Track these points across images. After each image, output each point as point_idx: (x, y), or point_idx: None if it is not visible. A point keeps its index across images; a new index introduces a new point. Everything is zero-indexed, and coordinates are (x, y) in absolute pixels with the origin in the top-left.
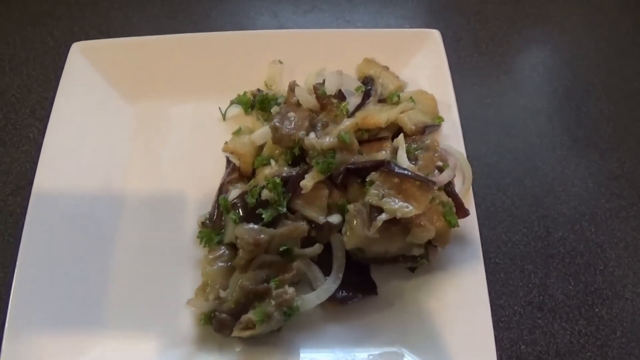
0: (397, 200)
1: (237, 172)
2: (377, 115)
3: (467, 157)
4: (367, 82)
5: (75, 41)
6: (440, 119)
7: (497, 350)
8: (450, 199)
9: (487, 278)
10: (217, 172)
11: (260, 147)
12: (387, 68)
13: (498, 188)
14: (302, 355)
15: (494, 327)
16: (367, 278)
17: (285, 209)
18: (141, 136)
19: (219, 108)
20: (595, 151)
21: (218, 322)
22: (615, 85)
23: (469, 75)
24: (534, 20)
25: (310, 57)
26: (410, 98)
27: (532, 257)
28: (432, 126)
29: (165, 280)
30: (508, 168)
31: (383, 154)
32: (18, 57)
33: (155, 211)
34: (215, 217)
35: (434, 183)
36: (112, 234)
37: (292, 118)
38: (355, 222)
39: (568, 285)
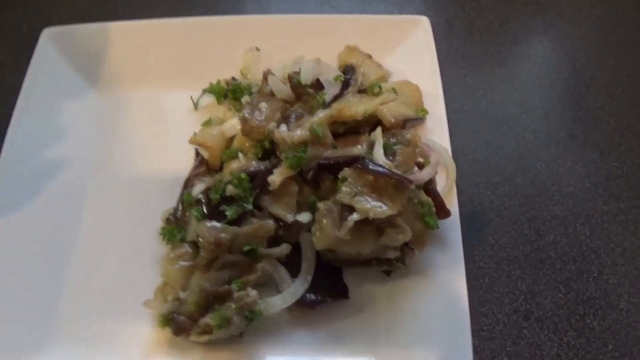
0: (370, 199)
1: (204, 166)
2: (354, 107)
3: (454, 153)
4: (347, 71)
5: (50, 27)
6: (425, 112)
7: None
8: (430, 199)
9: (470, 283)
10: (186, 165)
11: (230, 140)
12: (369, 56)
13: (487, 187)
14: None
15: (475, 336)
16: (339, 281)
17: (251, 206)
18: (109, 126)
19: (191, 97)
20: (594, 149)
21: (176, 325)
22: (619, 80)
23: (461, 66)
24: (533, 9)
25: (290, 44)
26: (393, 89)
27: (520, 261)
28: (414, 119)
29: (127, 278)
30: (498, 165)
31: (358, 149)
32: None
33: (120, 205)
34: (179, 213)
35: (410, 181)
36: (73, 227)
37: (264, 109)
38: (325, 221)
39: (558, 293)
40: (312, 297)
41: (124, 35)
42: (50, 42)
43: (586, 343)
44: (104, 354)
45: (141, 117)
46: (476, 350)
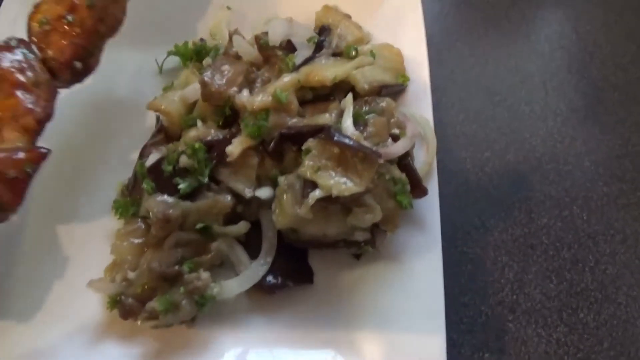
0: (334, 174)
1: (163, 134)
2: (324, 71)
3: (439, 124)
4: (322, 32)
5: None
6: (405, 79)
7: (455, 357)
8: (404, 175)
9: (450, 270)
10: (147, 134)
11: (194, 106)
12: (348, 17)
13: (474, 162)
14: (218, 351)
15: (453, 329)
16: (303, 264)
17: (207, 179)
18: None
19: (155, 60)
20: (596, 124)
21: (123, 308)
22: (626, 49)
23: (452, 30)
24: None
25: (265, 2)
26: (371, 52)
27: (508, 247)
28: (392, 86)
29: (78, 255)
30: (488, 139)
31: (326, 118)
32: None
33: (74, 174)
34: (134, 185)
35: (379, 155)
36: None
37: (227, 72)
38: (285, 197)
39: (549, 283)
40: (273, 280)
41: None
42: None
43: (578, 340)
44: (52, 336)
45: (102, 80)
46: (454, 345)
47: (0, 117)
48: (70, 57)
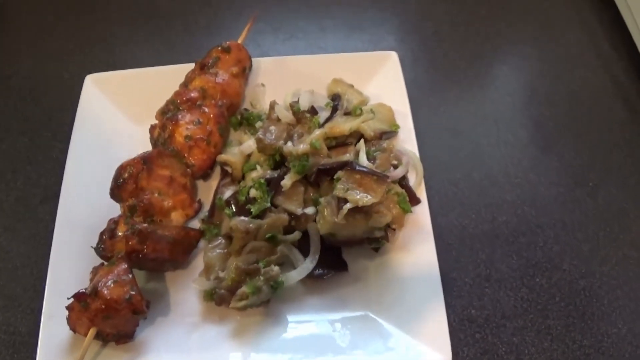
0: (359, 192)
1: (229, 177)
2: (342, 126)
3: (423, 156)
4: (335, 99)
5: (87, 74)
6: (397, 127)
7: (450, 314)
8: (403, 190)
9: (441, 256)
10: (213, 179)
11: (248, 156)
12: (352, 86)
13: (450, 182)
14: (288, 322)
15: (448, 295)
16: (339, 258)
17: (269, 203)
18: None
19: None
20: (536, 148)
21: (218, 297)
22: (556, 90)
23: (425, 89)
24: (483, 38)
25: (288, 79)
26: (371, 110)
27: (480, 238)
28: (389, 132)
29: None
30: (458, 165)
31: (347, 156)
32: (37, 89)
33: None
34: (212, 214)
35: (387, 177)
36: None
37: (273, 131)
38: (326, 211)
39: (512, 260)
40: (320, 271)
41: (154, 78)
42: (93, 86)
43: (537, 297)
44: (163, 322)
45: None
46: (449, 305)
47: (174, 205)
48: (206, 168)
